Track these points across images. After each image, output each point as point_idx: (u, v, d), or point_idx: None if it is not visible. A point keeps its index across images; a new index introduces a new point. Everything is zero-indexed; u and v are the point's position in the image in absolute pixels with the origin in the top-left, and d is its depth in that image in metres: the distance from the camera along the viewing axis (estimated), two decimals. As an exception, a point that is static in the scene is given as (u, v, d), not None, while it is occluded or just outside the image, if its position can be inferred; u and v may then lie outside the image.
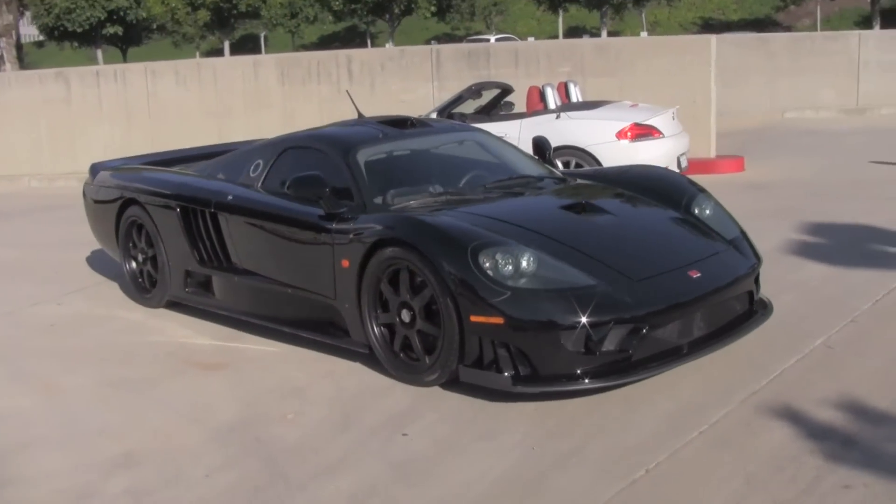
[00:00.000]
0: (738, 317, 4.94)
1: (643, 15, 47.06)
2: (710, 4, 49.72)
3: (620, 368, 4.35)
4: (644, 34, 39.46)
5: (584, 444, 4.02)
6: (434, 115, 9.73)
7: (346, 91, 7.82)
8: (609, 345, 4.31)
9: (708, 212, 5.37)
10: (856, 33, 18.91)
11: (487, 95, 10.43)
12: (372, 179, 5.39)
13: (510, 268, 4.39)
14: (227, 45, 45.79)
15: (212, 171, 6.60)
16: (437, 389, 4.68)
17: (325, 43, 51.49)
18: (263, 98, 13.95)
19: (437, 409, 4.48)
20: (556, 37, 45.89)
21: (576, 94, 10.22)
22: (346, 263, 4.96)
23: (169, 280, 6.42)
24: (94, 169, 7.44)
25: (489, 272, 4.36)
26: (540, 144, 6.31)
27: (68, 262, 8.27)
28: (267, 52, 46.01)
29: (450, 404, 4.53)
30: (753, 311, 5.05)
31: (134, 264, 6.82)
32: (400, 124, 6.07)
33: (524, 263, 4.41)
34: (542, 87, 9.63)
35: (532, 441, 4.08)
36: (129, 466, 4.04)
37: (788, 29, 43.07)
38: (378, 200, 5.26)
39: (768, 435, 4.02)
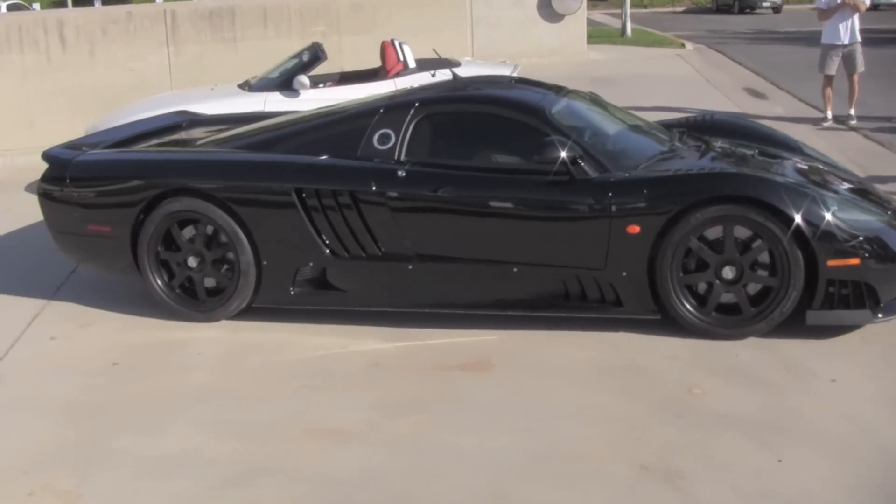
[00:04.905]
0: None
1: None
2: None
3: None
4: None
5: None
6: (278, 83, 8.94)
7: (434, 49, 6.92)
8: None
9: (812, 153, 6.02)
10: (469, -9, 20.56)
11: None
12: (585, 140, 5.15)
13: (835, 213, 4.67)
14: None
15: (266, 147, 5.57)
16: (754, 339, 4.80)
17: None
18: (-62, 72, 11.33)
19: (800, 354, 4.63)
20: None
21: (409, 54, 9.92)
22: (635, 229, 4.76)
23: (253, 285, 5.37)
24: (59, 157, 5.77)
25: (839, 217, 4.60)
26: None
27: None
28: None
29: (787, 350, 4.69)
30: None
31: (165, 275, 5.53)
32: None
33: (834, 208, 4.71)
34: (399, 45, 9.33)
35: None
36: (669, 479, 3.60)
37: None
38: (623, 161, 5.08)
39: None
